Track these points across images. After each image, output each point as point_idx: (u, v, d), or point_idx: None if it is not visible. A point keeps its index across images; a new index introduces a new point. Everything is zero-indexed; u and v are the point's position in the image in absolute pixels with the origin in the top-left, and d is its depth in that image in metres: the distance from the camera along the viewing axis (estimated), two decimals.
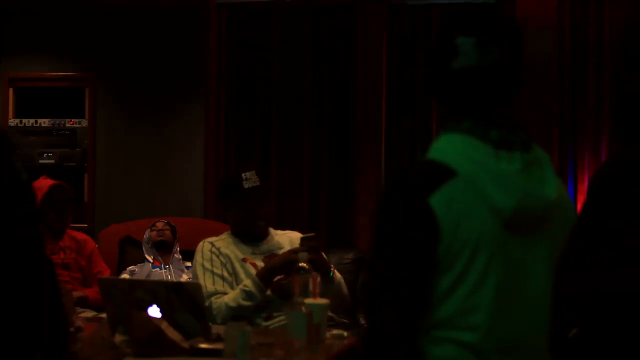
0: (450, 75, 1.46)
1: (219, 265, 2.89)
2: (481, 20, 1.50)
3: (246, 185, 2.94)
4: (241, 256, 2.93)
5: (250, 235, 3.00)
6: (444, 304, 1.43)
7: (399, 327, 1.44)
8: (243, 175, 2.97)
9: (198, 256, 2.94)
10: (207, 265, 2.89)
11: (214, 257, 2.90)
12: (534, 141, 1.50)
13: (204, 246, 2.96)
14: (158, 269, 4.08)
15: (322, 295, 2.55)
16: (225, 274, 2.88)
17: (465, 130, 1.46)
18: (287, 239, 3.08)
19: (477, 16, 1.52)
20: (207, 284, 2.84)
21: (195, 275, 2.91)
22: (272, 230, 3.09)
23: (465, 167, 1.41)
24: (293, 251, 2.76)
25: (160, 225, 4.31)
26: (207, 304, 2.80)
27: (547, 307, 1.50)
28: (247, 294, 2.76)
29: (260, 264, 2.93)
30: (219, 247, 2.95)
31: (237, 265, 2.91)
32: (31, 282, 1.53)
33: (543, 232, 1.47)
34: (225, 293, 2.84)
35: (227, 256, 2.91)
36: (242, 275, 2.89)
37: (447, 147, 1.45)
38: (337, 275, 2.92)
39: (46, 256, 1.60)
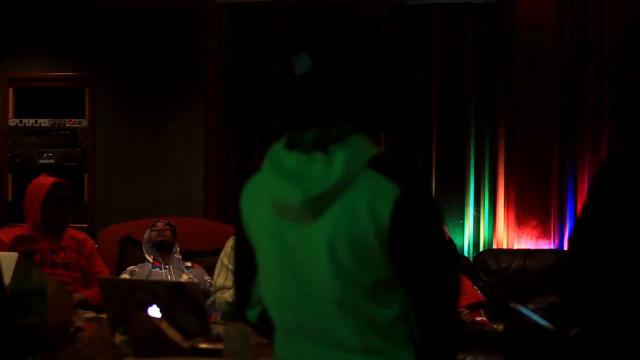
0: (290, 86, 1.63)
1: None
2: (299, 32, 1.64)
3: None
4: None
5: None
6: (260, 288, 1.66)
7: (235, 295, 1.74)
8: None
9: (222, 252, 3.07)
10: (225, 261, 3.01)
11: (232, 253, 2.96)
12: (343, 142, 1.55)
13: (229, 242, 3.07)
14: (158, 269, 4.08)
15: None
16: None
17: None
18: None
19: (300, 30, 1.66)
20: (219, 278, 2.93)
21: (217, 269, 3.06)
22: None
23: (264, 165, 1.60)
24: None
25: (160, 225, 4.30)
26: (212, 298, 2.84)
27: (330, 293, 1.54)
28: None
29: None
30: None
31: None
32: None
33: (318, 222, 1.53)
34: (230, 288, 2.87)
35: None
36: None
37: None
38: None
39: None
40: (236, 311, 1.78)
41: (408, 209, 1.52)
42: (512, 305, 2.00)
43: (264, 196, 1.58)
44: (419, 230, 1.54)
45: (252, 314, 1.71)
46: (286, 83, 1.63)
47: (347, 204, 1.52)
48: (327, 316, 1.56)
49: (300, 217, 1.54)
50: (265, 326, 1.69)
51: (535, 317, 2.00)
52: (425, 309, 1.57)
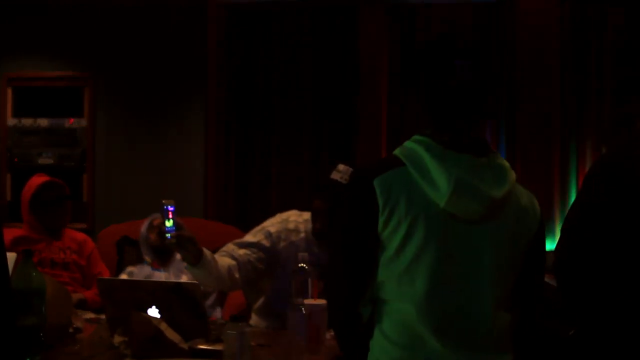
0: (447, 91, 1.70)
1: (256, 249, 2.82)
2: (472, 47, 1.75)
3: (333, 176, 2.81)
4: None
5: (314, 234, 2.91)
6: (385, 276, 1.68)
7: (345, 291, 1.72)
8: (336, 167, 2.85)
9: (269, 221, 2.91)
10: (272, 229, 2.85)
11: (273, 237, 2.84)
12: (493, 151, 1.76)
13: (288, 215, 2.92)
14: (157, 271, 4.03)
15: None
16: (253, 257, 2.80)
17: (426, 134, 1.73)
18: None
19: (468, 43, 1.76)
20: (249, 236, 2.83)
21: (254, 229, 2.88)
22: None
23: (412, 161, 1.68)
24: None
25: (157, 223, 4.22)
26: (223, 247, 2.80)
27: (492, 287, 1.69)
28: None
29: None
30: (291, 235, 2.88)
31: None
32: None
33: (489, 223, 1.68)
34: (232, 257, 2.77)
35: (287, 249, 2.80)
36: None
37: (406, 146, 1.73)
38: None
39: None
40: (343, 305, 1.75)
41: (543, 225, 1.82)
42: None
43: (418, 190, 1.66)
44: (542, 248, 1.85)
45: (366, 311, 1.73)
46: (437, 87, 1.71)
47: (513, 213, 1.72)
48: (482, 308, 1.68)
49: (475, 215, 1.67)
50: (369, 326, 1.73)
51: None
52: (533, 311, 1.82)
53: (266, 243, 2.85)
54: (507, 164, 1.75)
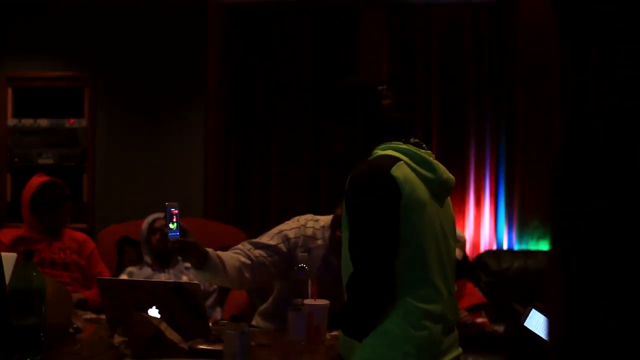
0: (382, 110, 2.13)
1: (272, 252, 2.79)
2: (379, 77, 2.31)
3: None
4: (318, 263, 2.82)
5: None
6: (405, 252, 1.98)
7: (380, 265, 1.97)
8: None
9: (286, 224, 2.90)
10: (290, 234, 2.84)
11: (289, 241, 2.83)
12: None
13: (302, 219, 2.91)
14: (157, 272, 4.03)
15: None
16: (268, 260, 2.77)
17: (394, 141, 2.09)
18: None
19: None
20: (266, 237, 2.81)
21: (271, 230, 2.88)
22: None
23: (403, 156, 2.03)
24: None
25: (159, 225, 4.22)
26: (239, 245, 2.78)
27: (454, 260, 2.14)
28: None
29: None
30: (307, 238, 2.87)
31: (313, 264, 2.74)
32: None
33: (445, 207, 2.12)
34: (248, 257, 2.73)
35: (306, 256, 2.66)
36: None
37: (386, 149, 2.06)
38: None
39: None
40: (381, 273, 1.97)
41: None
42: (524, 325, 2.20)
43: (418, 178, 2.01)
44: None
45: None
46: (377, 103, 2.14)
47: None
48: (452, 282, 2.11)
49: (444, 196, 2.10)
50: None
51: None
52: None
53: (283, 248, 2.81)
54: None
